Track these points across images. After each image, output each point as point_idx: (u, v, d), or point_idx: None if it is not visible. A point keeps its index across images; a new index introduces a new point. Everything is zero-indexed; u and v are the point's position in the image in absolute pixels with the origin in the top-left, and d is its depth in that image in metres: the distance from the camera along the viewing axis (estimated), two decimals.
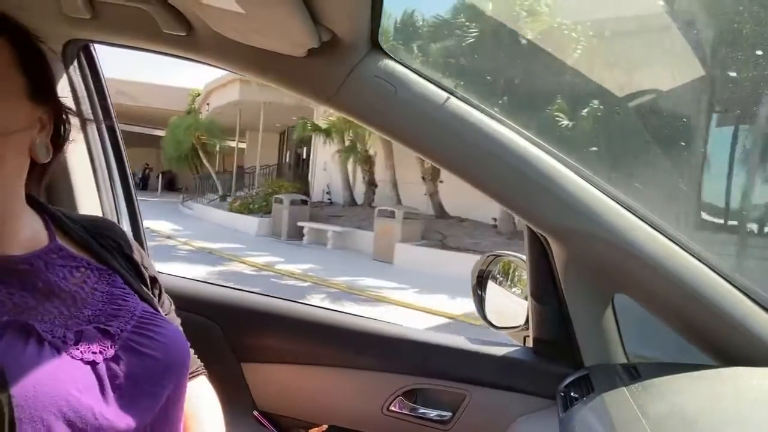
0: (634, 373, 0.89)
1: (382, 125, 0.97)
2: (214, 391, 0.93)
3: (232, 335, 1.25)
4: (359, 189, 14.91)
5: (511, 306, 1.18)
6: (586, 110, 7.74)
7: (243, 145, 23.41)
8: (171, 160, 22.10)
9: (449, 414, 1.12)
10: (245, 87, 16.61)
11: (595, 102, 7.64)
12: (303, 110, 14.97)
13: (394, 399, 1.15)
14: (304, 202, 13.87)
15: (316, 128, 14.29)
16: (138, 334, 0.73)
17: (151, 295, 0.83)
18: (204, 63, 1.03)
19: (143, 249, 0.91)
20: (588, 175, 0.94)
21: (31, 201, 0.77)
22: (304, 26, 0.81)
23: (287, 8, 0.76)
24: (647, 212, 0.94)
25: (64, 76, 1.19)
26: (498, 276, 1.22)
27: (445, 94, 0.93)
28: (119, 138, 1.36)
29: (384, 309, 6.87)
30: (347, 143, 13.88)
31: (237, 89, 17.20)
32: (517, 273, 1.20)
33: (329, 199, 16.01)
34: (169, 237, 12.33)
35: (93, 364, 0.67)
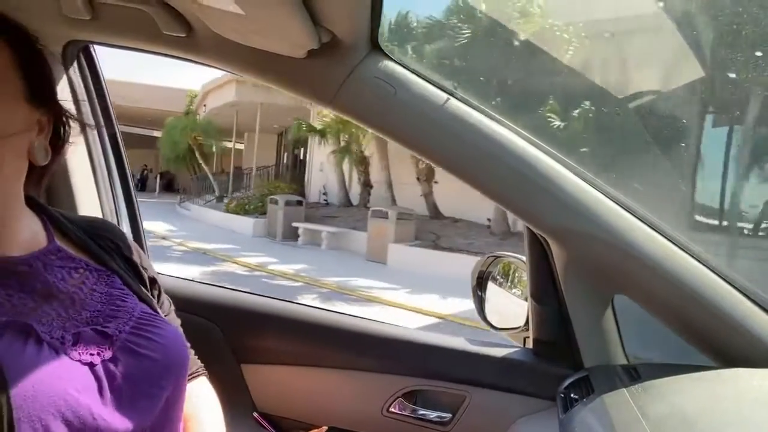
0: (634, 374, 0.89)
1: (381, 126, 0.97)
2: (214, 392, 0.93)
3: (232, 336, 1.25)
4: (355, 190, 14.90)
5: (511, 307, 1.18)
6: (577, 111, 7.79)
7: (242, 147, 23.36)
8: (168, 161, 22.09)
9: (449, 415, 1.12)
10: (242, 88, 16.54)
11: (587, 103, 7.68)
12: (300, 111, 14.95)
13: (394, 400, 1.15)
14: (300, 203, 13.87)
15: (311, 129, 14.28)
16: (136, 335, 0.73)
17: (150, 296, 0.83)
18: (204, 64, 1.03)
19: (143, 250, 0.90)
20: (587, 176, 0.94)
21: (30, 202, 0.77)
22: (304, 27, 0.81)
23: (287, 9, 0.76)
24: (646, 213, 0.94)
25: (64, 78, 1.19)
26: (498, 277, 1.22)
27: (444, 95, 0.93)
28: (119, 139, 1.36)
29: (374, 309, 6.86)
30: (342, 144, 13.88)
31: (233, 90, 17.13)
32: (517, 274, 1.20)
33: (326, 200, 15.98)
34: (164, 238, 12.31)
35: (91, 366, 0.67)
